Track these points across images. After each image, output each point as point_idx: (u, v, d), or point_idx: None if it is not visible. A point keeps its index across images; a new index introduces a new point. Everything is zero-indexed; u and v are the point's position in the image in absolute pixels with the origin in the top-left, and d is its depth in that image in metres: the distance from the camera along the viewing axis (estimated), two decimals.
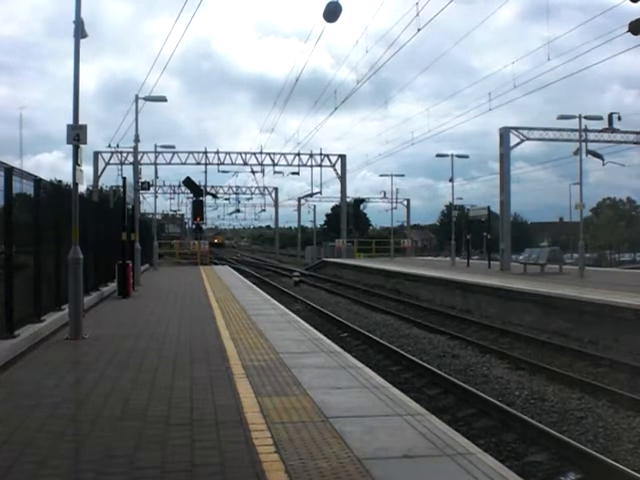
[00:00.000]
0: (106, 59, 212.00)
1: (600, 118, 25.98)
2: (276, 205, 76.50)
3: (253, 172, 47.80)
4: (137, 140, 21.56)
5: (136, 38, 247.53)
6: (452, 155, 36.25)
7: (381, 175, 52.46)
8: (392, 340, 15.18)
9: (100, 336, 9.72)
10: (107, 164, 42.06)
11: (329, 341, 9.60)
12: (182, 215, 78.49)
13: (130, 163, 33.13)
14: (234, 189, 66.84)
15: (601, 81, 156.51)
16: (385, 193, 58.96)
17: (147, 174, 55.89)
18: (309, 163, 45.90)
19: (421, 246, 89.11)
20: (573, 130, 27.66)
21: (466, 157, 40.45)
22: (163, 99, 21.95)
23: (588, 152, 27.47)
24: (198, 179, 41.88)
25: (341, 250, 46.59)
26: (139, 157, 26.02)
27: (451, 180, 36.62)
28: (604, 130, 27.68)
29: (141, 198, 32.52)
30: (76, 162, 9.64)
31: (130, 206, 19.55)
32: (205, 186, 44.69)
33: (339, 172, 46.70)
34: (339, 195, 50.21)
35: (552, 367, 11.61)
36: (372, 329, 16.95)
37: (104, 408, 5.60)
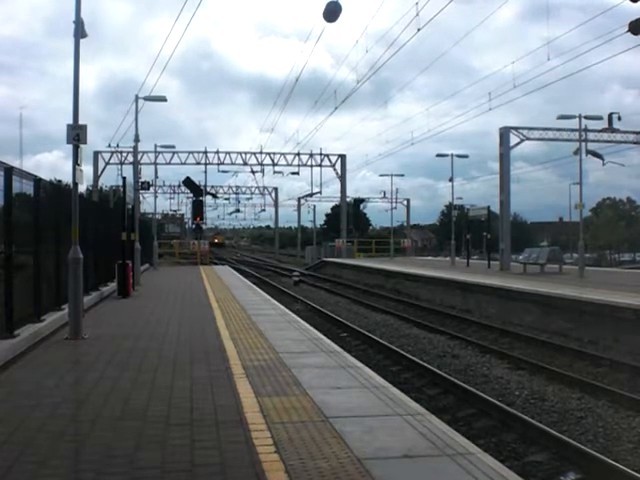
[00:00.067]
0: (106, 59, 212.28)
1: (600, 118, 26.00)
2: (276, 205, 76.54)
3: (253, 172, 47.85)
4: (137, 140, 21.55)
5: (136, 38, 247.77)
6: (452, 155, 36.30)
7: (381, 175, 52.59)
8: (392, 340, 15.18)
9: (100, 336, 9.72)
10: (107, 164, 42.05)
11: (329, 341, 9.59)
12: (182, 215, 78.64)
13: (130, 163, 33.10)
14: (234, 189, 66.90)
15: (601, 81, 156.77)
16: (385, 193, 59.06)
17: (147, 174, 55.97)
18: (309, 163, 45.92)
19: (421, 246, 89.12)
20: (573, 130, 27.68)
21: (466, 157, 40.51)
22: (163, 99, 21.95)
23: (588, 152, 27.46)
24: (198, 179, 41.99)
25: (341, 250, 46.59)
26: (139, 157, 26.03)
27: (451, 180, 36.67)
28: (604, 130, 27.68)
29: (141, 198, 32.53)
30: (76, 162, 9.64)
31: (130, 206, 19.54)
32: (205, 186, 44.73)
33: (339, 172, 46.70)
34: (339, 195, 50.19)
35: (552, 367, 11.61)
36: (372, 329, 16.95)
37: (104, 408, 5.59)
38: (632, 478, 6.30)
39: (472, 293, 20.69)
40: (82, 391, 6.35)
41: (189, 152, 44.30)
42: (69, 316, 9.68)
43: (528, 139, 29.62)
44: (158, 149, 35.36)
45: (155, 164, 37.06)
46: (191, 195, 45.17)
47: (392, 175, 49.94)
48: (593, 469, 6.68)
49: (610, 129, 27.29)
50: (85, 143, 9.63)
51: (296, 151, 45.54)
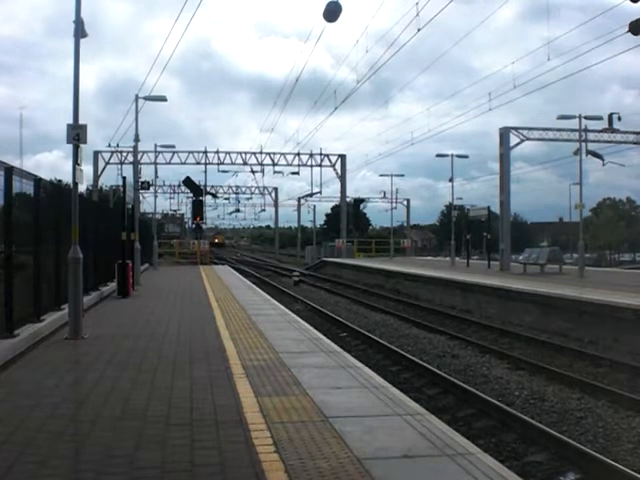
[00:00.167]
0: (106, 59, 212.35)
1: (600, 118, 26.00)
2: (276, 205, 76.54)
3: (253, 172, 47.86)
4: (137, 140, 21.55)
5: (136, 38, 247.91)
6: (452, 155, 36.29)
7: (381, 175, 52.64)
8: (392, 340, 15.18)
9: (100, 336, 9.72)
10: (107, 164, 42.05)
11: (329, 341, 9.60)
12: (182, 215, 78.60)
13: (130, 163, 33.11)
14: (234, 189, 66.89)
15: (601, 81, 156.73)
16: (385, 193, 59.06)
17: (147, 174, 55.91)
18: (309, 163, 45.92)
19: (421, 246, 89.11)
20: (573, 130, 27.66)
21: (466, 157, 40.51)
22: (163, 99, 21.94)
23: (588, 152, 27.47)
24: (198, 179, 42.00)
25: (341, 250, 46.59)
26: (139, 157, 26.03)
27: (451, 180, 36.66)
28: (604, 130, 27.68)
29: (141, 198, 32.53)
30: (76, 162, 9.64)
31: (130, 206, 19.54)
32: (205, 186, 44.72)
33: (339, 172, 46.69)
34: (339, 195, 50.17)
35: (552, 367, 11.61)
36: (372, 329, 16.95)
37: (104, 408, 5.59)
38: (632, 478, 6.30)
39: (472, 293, 20.68)
40: (82, 391, 6.35)
41: (189, 152, 44.34)
42: (69, 316, 9.68)
43: (528, 139, 29.60)
44: (158, 149, 35.38)
45: (155, 164, 37.09)
46: (191, 195, 45.16)
47: (392, 175, 50.04)
48: (593, 469, 6.68)
49: (610, 129, 27.29)
50: (85, 143, 9.64)
51: (296, 151, 45.61)
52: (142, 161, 33.35)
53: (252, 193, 67.48)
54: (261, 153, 45.60)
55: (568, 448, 7.21)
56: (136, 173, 23.47)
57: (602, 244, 73.95)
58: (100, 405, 5.69)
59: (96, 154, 41.71)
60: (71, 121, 9.59)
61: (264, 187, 63.01)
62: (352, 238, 51.86)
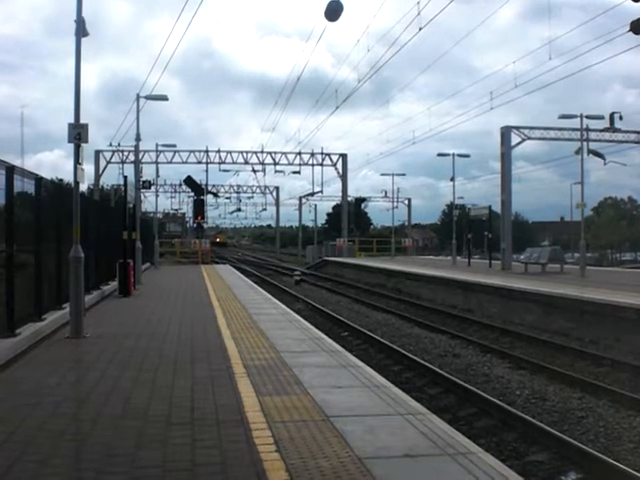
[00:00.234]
0: (107, 58, 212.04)
1: (601, 117, 25.96)
2: (277, 204, 76.42)
3: (254, 171, 47.85)
4: (138, 139, 21.60)
5: (137, 37, 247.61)
6: (453, 154, 36.30)
7: (382, 174, 52.91)
8: (393, 339, 15.17)
9: (101, 335, 9.72)
10: (108, 163, 42.07)
11: (330, 340, 9.59)
12: (183, 214, 78.58)
13: (131, 162, 33.13)
14: (235, 188, 66.83)
15: (602, 81, 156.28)
16: (386, 192, 58.95)
17: (148, 173, 55.39)
18: (310, 162, 45.89)
19: (422, 245, 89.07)
20: (574, 129, 27.66)
21: (467, 156, 40.53)
22: (164, 98, 21.96)
23: (589, 151, 27.44)
24: (199, 178, 42.08)
25: (342, 249, 46.60)
26: (140, 156, 26.03)
27: (452, 179, 36.64)
28: (605, 129, 27.66)
29: (142, 197, 32.56)
30: (77, 161, 9.64)
31: (131, 205, 19.56)
32: (206, 185, 44.70)
33: (340, 171, 46.69)
34: (340, 194, 50.16)
35: (553, 367, 11.61)
36: (373, 328, 16.95)
37: (105, 407, 5.60)
38: (633, 478, 6.30)
39: (473, 292, 20.68)
40: (83, 390, 6.35)
41: (190, 151, 44.34)
42: (70, 315, 9.69)
43: (529, 138, 29.61)
44: (159, 148, 35.44)
45: (156, 163, 37.13)
46: (192, 194, 45.22)
47: (393, 174, 50.08)
48: (594, 469, 6.68)
49: (611, 129, 27.26)
50: (86, 142, 9.64)
51: (297, 150, 45.58)
52: (143, 160, 33.30)
53: (253, 192, 67.49)
54: (262, 152, 45.63)
55: (569, 447, 7.21)
56: (137, 172, 23.48)
57: (603, 243, 73.88)
58: (101, 404, 5.69)
59: (97, 153, 41.73)
60: (72, 120, 9.60)
61: (265, 186, 62.97)
62: (353, 237, 51.88)
